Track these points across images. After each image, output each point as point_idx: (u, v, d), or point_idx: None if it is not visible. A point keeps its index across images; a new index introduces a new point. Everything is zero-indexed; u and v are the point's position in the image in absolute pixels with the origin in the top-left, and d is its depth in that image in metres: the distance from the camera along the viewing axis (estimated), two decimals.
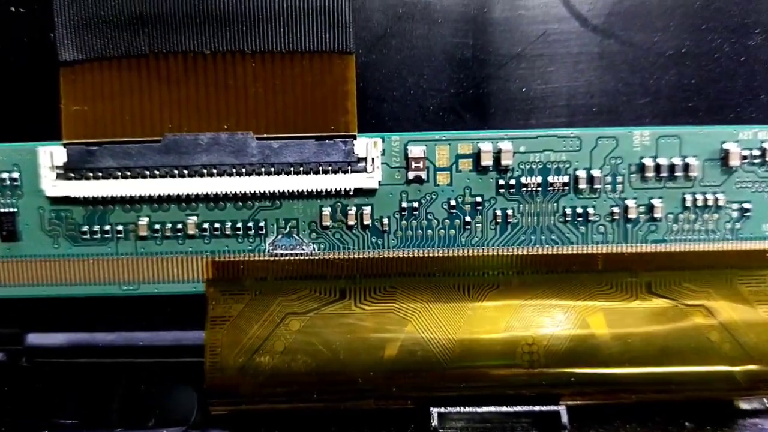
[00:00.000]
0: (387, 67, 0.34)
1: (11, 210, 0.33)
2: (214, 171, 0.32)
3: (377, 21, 0.33)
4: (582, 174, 0.33)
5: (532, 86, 0.34)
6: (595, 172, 0.33)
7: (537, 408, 0.33)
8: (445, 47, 0.34)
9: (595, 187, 0.33)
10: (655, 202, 0.34)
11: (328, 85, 0.32)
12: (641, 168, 0.33)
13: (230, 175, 0.32)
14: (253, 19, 0.31)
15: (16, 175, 0.33)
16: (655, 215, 0.34)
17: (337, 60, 0.32)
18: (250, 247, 0.34)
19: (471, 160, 0.33)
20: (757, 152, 0.34)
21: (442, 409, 0.33)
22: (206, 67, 0.32)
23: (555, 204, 0.34)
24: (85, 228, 0.33)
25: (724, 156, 0.33)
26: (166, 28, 0.32)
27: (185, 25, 0.32)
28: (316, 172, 0.33)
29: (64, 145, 0.32)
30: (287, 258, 0.34)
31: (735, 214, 0.34)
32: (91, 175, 0.32)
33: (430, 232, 0.34)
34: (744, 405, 0.37)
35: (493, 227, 0.34)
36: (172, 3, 0.31)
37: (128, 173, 0.32)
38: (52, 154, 0.32)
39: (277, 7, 0.31)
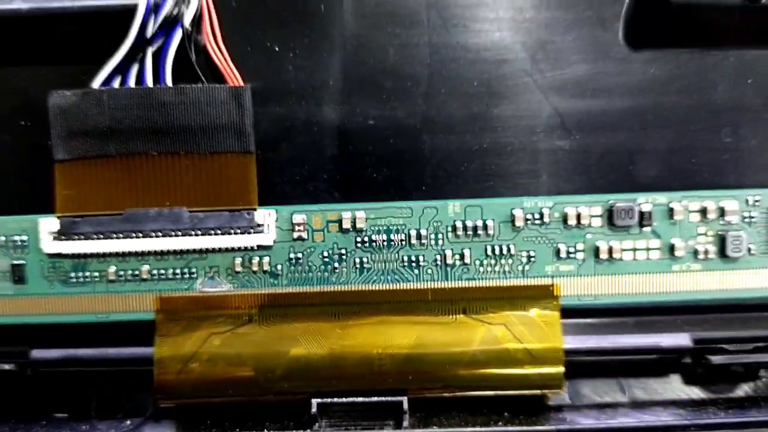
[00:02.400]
0: (280, 161, 0.47)
1: (21, 262, 0.47)
2: (160, 234, 0.46)
3: (271, 130, 0.47)
4: (414, 233, 0.47)
5: (381, 172, 0.48)
6: (423, 231, 0.47)
7: (386, 398, 0.44)
8: (321, 149, 0.48)
9: (423, 241, 0.47)
10: (466, 251, 0.47)
11: (238, 174, 0.46)
12: (454, 228, 0.47)
13: (171, 236, 0.46)
14: (184, 131, 0.45)
15: (25, 237, 0.46)
16: (466, 261, 0.47)
17: (242, 158, 0.46)
18: (185, 287, 0.46)
19: (337, 224, 0.47)
20: (537, 215, 0.47)
21: (320, 400, 0.44)
22: (154, 163, 0.45)
23: (396, 254, 0.48)
24: (72, 274, 0.46)
25: (513, 219, 0.48)
26: (128, 137, 0.45)
27: (140, 135, 0.45)
28: (230, 233, 0.46)
29: (58, 218, 0.46)
30: (211, 294, 0.46)
31: (524, 260, 0.48)
32: (76, 237, 0.46)
33: (311, 274, 0.47)
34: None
35: (354, 271, 0.48)
36: (131, 120, 0.45)
37: (101, 236, 0.46)
38: (49, 224, 0.47)
39: (200, 123, 0.46)
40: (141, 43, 0.43)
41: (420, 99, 0.46)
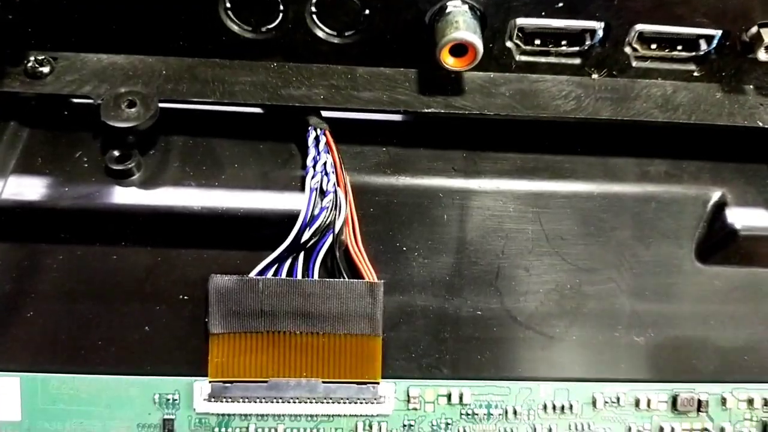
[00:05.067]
0: (400, 340, 0.55)
1: (171, 417, 0.56)
2: (297, 400, 0.55)
3: (395, 314, 0.56)
4: (510, 409, 0.56)
5: (485, 354, 0.57)
6: (518, 408, 0.56)
7: None
8: (436, 332, 0.57)
9: (518, 416, 0.57)
10: (553, 427, 0.57)
11: (366, 353, 0.53)
12: (545, 406, 0.57)
13: (306, 403, 0.55)
14: (324, 316, 0.53)
15: (177, 396, 0.55)
16: None
17: (371, 340, 0.54)
18: None
19: (446, 397, 0.55)
20: (614, 399, 0.57)
21: None
22: (297, 340, 0.52)
23: (495, 425, 0.57)
24: (216, 430, 0.55)
25: (594, 401, 0.57)
26: (276, 318, 0.54)
27: (286, 317, 0.54)
28: (356, 403, 0.55)
29: (210, 382, 0.55)
30: None
31: None
32: (225, 400, 0.55)
33: None
34: None
35: None
36: (280, 305, 0.53)
37: (247, 400, 0.55)
38: (202, 387, 0.55)
39: (339, 310, 0.54)
40: (296, 245, 0.52)
41: (521, 296, 0.55)
